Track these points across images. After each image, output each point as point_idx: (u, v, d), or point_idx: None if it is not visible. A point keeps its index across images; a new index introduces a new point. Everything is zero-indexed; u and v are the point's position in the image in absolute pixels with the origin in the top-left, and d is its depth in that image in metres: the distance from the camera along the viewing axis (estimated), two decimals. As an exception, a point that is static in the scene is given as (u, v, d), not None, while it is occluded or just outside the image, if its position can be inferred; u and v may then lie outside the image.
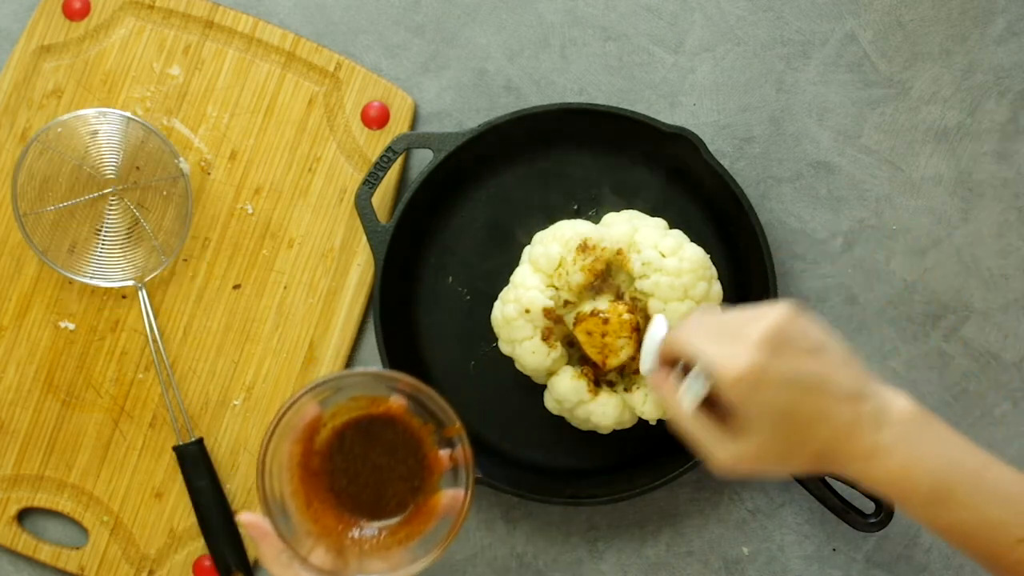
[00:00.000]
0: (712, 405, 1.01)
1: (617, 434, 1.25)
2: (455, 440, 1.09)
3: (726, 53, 1.31)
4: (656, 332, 1.07)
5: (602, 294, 1.19)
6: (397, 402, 1.11)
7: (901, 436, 0.97)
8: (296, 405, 1.07)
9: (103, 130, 1.26)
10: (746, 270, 1.27)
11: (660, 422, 1.24)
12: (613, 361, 1.18)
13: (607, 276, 1.19)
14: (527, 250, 1.23)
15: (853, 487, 1.24)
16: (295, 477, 1.10)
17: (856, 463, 0.97)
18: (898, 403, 0.98)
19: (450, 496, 1.08)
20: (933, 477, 0.97)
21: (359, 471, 1.12)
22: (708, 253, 1.21)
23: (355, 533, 1.12)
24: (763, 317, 0.98)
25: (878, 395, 0.98)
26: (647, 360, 1.07)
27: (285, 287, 1.29)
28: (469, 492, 1.07)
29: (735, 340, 0.98)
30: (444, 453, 1.10)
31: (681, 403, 1.00)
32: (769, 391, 0.96)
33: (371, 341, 1.29)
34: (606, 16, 1.31)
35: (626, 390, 1.21)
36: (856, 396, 0.97)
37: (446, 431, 1.09)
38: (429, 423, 1.11)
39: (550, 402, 1.23)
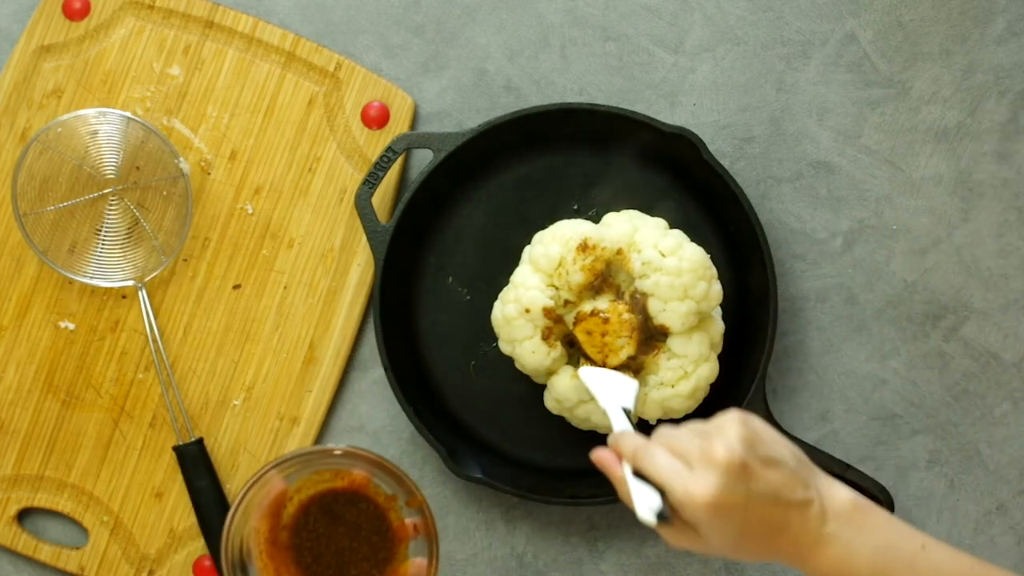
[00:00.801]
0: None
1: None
2: (417, 512, 1.11)
3: (726, 53, 1.31)
4: (612, 391, 1.11)
5: (602, 294, 1.20)
6: (360, 476, 1.12)
7: (840, 528, 1.00)
8: (261, 481, 1.09)
9: (103, 130, 1.26)
10: (746, 270, 1.27)
11: (660, 421, 1.24)
12: (613, 361, 1.18)
13: (607, 276, 1.20)
14: (527, 250, 1.23)
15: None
16: (263, 553, 1.12)
17: (801, 557, 1.01)
18: (838, 496, 1.02)
19: (417, 565, 1.12)
20: (872, 565, 1.00)
21: (322, 551, 1.14)
22: (708, 253, 1.21)
23: None
24: (721, 437, 1.00)
25: (820, 491, 1.01)
26: (611, 408, 1.10)
27: (285, 287, 1.29)
28: (434, 563, 1.10)
29: (698, 464, 0.99)
30: (410, 521, 1.12)
31: (640, 513, 1.01)
32: (729, 516, 0.99)
33: (371, 341, 1.29)
34: (606, 16, 1.31)
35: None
36: (802, 502, 1.00)
37: (408, 503, 1.11)
38: (395, 492, 1.12)
39: (550, 402, 1.23)
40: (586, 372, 1.16)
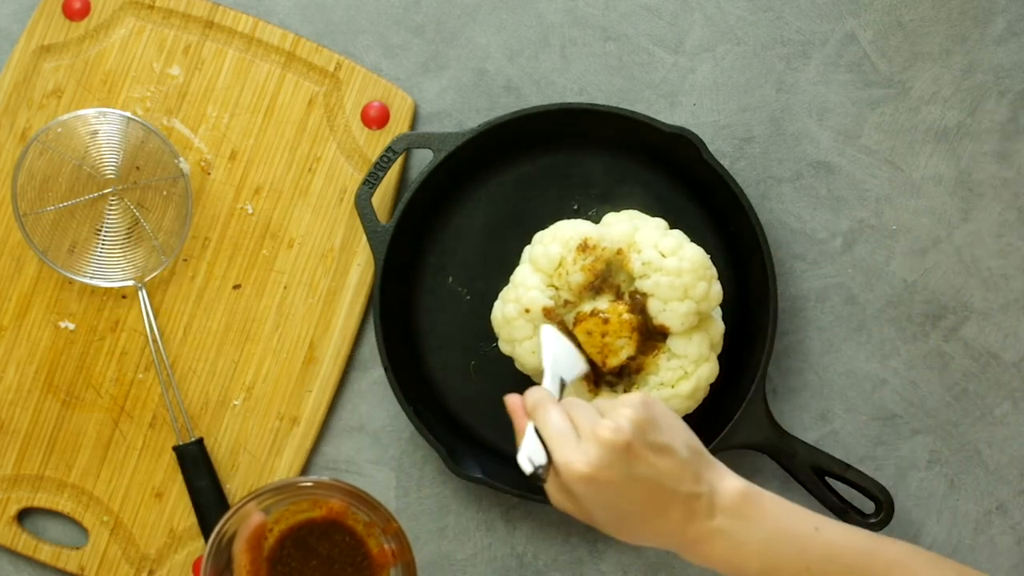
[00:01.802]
0: None
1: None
2: (392, 539, 1.12)
3: (726, 53, 1.31)
4: (548, 348, 1.12)
5: (602, 294, 1.19)
6: (338, 504, 1.12)
7: (727, 521, 1.02)
8: (239, 514, 1.10)
9: (103, 130, 1.26)
10: (746, 270, 1.27)
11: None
12: (613, 361, 1.18)
13: (607, 276, 1.19)
14: (527, 250, 1.23)
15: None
16: None
17: (691, 548, 1.03)
18: (727, 486, 1.03)
19: None
20: (762, 554, 1.02)
21: None
22: (708, 253, 1.21)
23: None
24: (615, 416, 1.01)
25: (711, 483, 1.03)
26: (551, 374, 1.11)
27: (285, 287, 1.29)
28: None
29: (584, 436, 1.01)
30: (389, 548, 1.13)
31: (520, 460, 1.03)
32: (605, 492, 1.00)
33: (371, 341, 1.29)
34: (606, 16, 1.31)
35: (626, 390, 1.21)
36: (688, 494, 1.01)
37: (383, 530, 1.11)
38: (372, 520, 1.12)
39: (550, 402, 1.23)
40: (547, 330, 1.15)
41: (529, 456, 1.02)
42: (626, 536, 1.04)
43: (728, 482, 1.03)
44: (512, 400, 1.07)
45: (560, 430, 1.02)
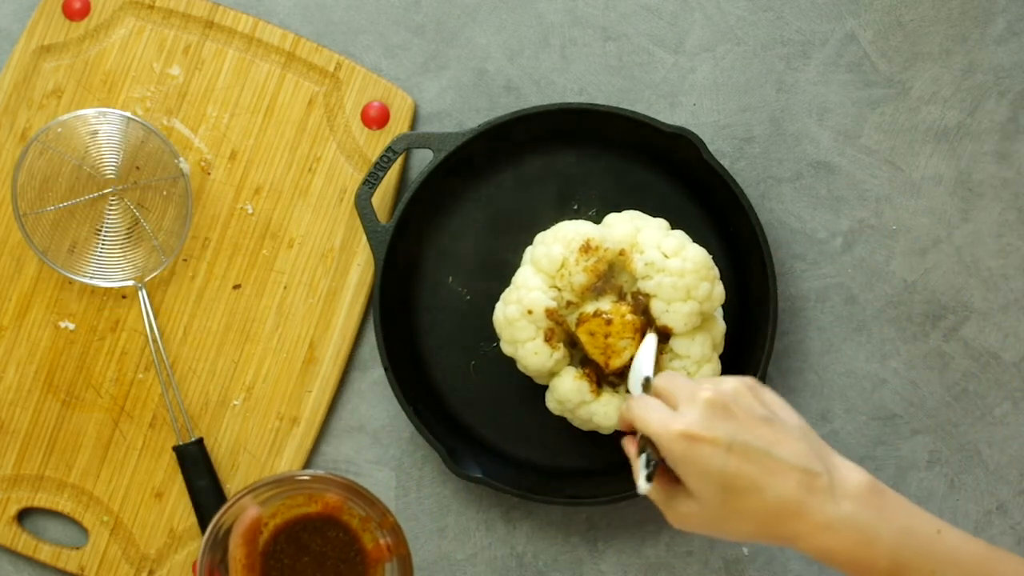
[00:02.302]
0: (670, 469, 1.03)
1: (618, 434, 1.25)
2: (388, 533, 1.12)
3: (726, 53, 1.31)
4: (645, 354, 1.11)
5: (604, 295, 1.19)
6: (334, 499, 1.12)
7: (858, 510, 0.98)
8: (235, 508, 1.10)
9: (103, 130, 1.26)
10: (746, 270, 1.27)
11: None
12: (616, 362, 1.18)
13: (609, 277, 1.19)
14: (529, 250, 1.23)
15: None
16: None
17: (809, 537, 0.98)
18: (853, 477, 0.99)
19: None
20: (891, 551, 0.98)
21: None
22: (708, 253, 1.21)
23: None
24: (718, 383, 1.00)
25: (833, 469, 1.00)
26: (634, 383, 1.10)
27: (285, 287, 1.29)
28: None
29: (682, 402, 1.00)
30: (385, 542, 1.13)
31: (637, 479, 1.02)
32: (705, 452, 0.98)
33: (371, 341, 1.29)
34: (606, 16, 1.31)
35: (628, 391, 1.21)
36: (805, 469, 0.98)
37: (380, 525, 1.11)
38: (369, 515, 1.12)
39: (552, 403, 1.23)
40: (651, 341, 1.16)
41: (643, 472, 1.00)
42: (740, 524, 0.99)
43: (853, 472, 1.00)
44: (625, 441, 1.07)
45: (655, 405, 1.00)
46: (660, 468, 1.03)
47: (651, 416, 1.01)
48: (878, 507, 0.98)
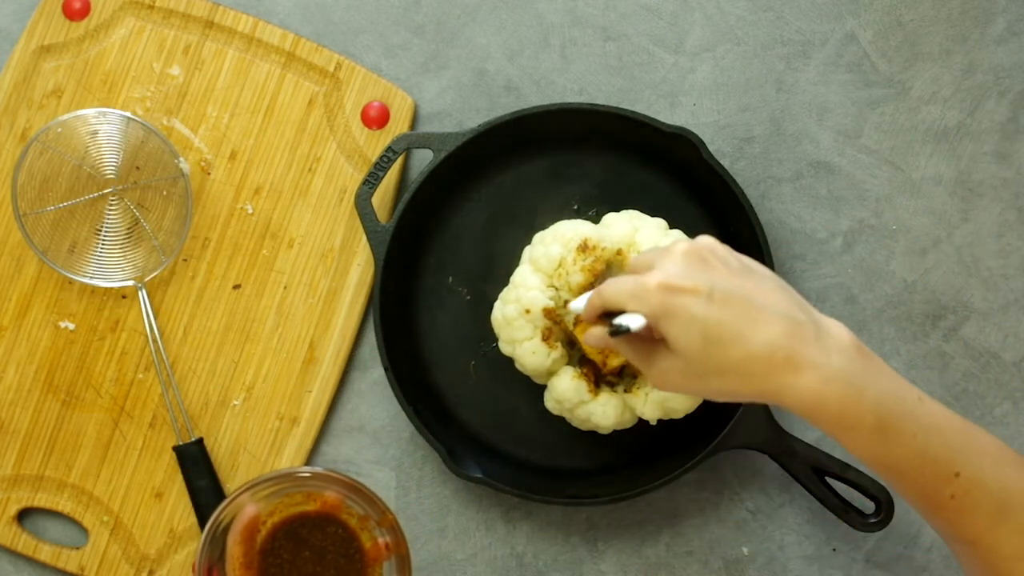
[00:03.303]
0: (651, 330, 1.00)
1: (617, 434, 1.25)
2: (388, 532, 1.12)
3: (726, 53, 1.31)
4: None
5: (602, 294, 1.19)
6: (332, 497, 1.12)
7: (847, 364, 0.95)
8: (232, 505, 1.09)
9: (103, 130, 1.26)
10: (746, 270, 1.27)
11: (660, 422, 1.24)
12: (614, 361, 1.18)
13: (607, 276, 1.19)
14: (527, 250, 1.23)
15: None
16: None
17: (799, 389, 0.94)
18: (839, 331, 0.97)
19: None
20: (877, 408, 0.95)
21: (306, 573, 1.14)
22: (707, 253, 1.21)
23: None
24: (692, 240, 0.98)
25: (816, 319, 0.96)
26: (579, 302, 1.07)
27: (285, 287, 1.29)
28: None
29: (659, 260, 0.98)
30: (383, 541, 1.12)
31: (627, 324, 0.98)
32: (686, 302, 0.95)
33: (371, 341, 1.29)
34: (606, 16, 1.31)
35: (626, 390, 1.21)
36: (790, 317, 0.95)
37: (379, 522, 1.11)
38: (367, 513, 1.12)
39: (550, 402, 1.23)
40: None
41: (619, 323, 0.97)
42: (717, 377, 0.95)
43: (837, 327, 0.97)
44: (592, 335, 1.05)
45: (625, 278, 0.99)
46: (641, 332, 0.99)
47: (625, 282, 0.98)
48: (865, 364, 0.96)
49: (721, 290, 0.95)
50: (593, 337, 1.05)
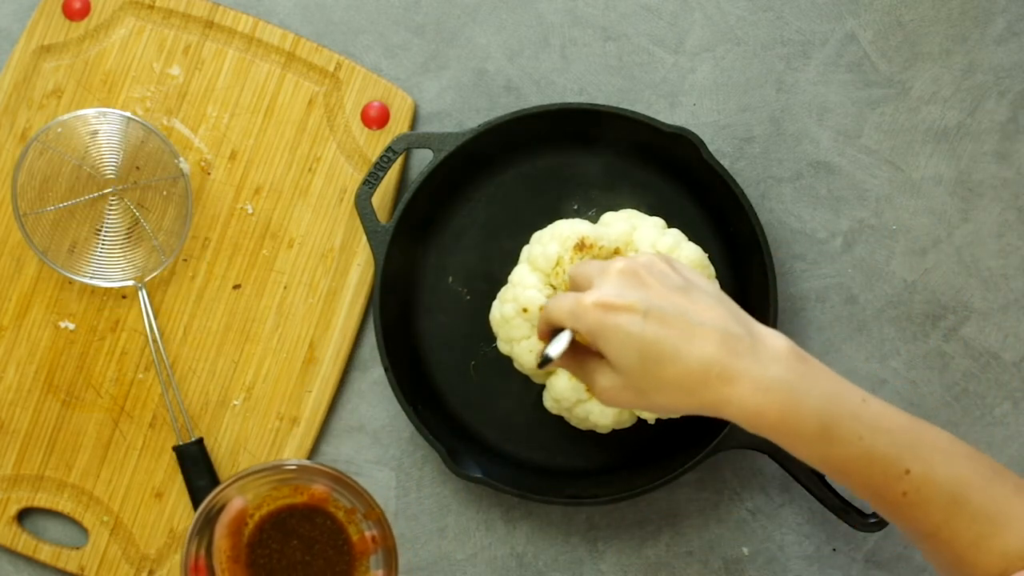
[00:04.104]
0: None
1: (617, 434, 1.25)
2: (375, 525, 1.11)
3: (726, 53, 1.31)
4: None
5: (602, 294, 1.19)
6: (320, 490, 1.12)
7: (785, 373, 0.96)
8: (218, 499, 1.09)
9: (103, 130, 1.26)
10: (746, 270, 1.27)
11: (660, 422, 1.24)
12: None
13: (607, 276, 1.19)
14: (525, 249, 1.23)
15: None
16: (225, 571, 1.12)
17: (738, 400, 0.95)
18: (776, 341, 0.98)
19: None
20: (819, 414, 0.96)
21: (275, 567, 1.14)
22: (707, 253, 1.21)
23: None
24: (630, 259, 1.00)
25: (755, 333, 0.98)
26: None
27: (285, 287, 1.29)
28: (393, 574, 1.10)
29: (596, 277, 0.99)
30: (370, 534, 1.12)
31: (548, 352, 1.00)
32: (622, 320, 0.96)
33: (371, 341, 1.29)
34: (606, 16, 1.31)
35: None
36: (726, 331, 0.96)
37: (366, 515, 1.11)
38: (355, 506, 1.12)
39: (549, 401, 1.23)
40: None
41: (545, 350, 0.99)
42: (657, 393, 0.97)
43: (775, 337, 0.98)
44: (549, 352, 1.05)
45: (566, 295, 1.00)
46: (583, 346, 1.01)
47: (565, 300, 1.00)
48: (803, 371, 0.97)
49: (657, 308, 0.97)
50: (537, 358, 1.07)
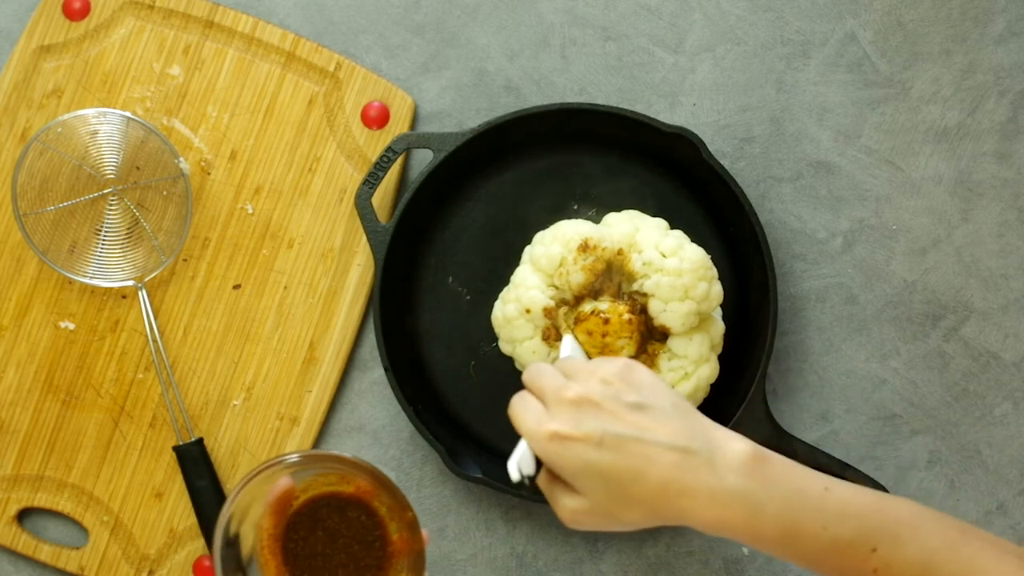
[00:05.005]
0: None
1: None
2: (406, 528, 1.10)
3: (726, 53, 1.31)
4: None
5: (602, 294, 1.19)
6: (366, 483, 1.12)
7: (742, 482, 0.98)
8: (266, 473, 1.08)
9: (103, 130, 1.26)
10: (746, 270, 1.27)
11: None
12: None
13: (607, 276, 1.20)
14: (527, 250, 1.23)
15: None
16: (265, 549, 1.11)
17: (698, 513, 0.98)
18: (733, 448, 0.99)
19: None
20: (778, 517, 0.98)
21: (300, 553, 1.13)
22: (708, 253, 1.21)
23: None
24: (582, 378, 1.01)
25: (713, 443, 1.00)
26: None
27: (285, 287, 1.29)
28: None
29: (550, 402, 1.00)
30: (402, 536, 1.12)
31: (509, 470, 1.02)
32: (578, 450, 0.98)
33: (371, 341, 1.29)
34: (606, 16, 1.31)
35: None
36: (681, 448, 0.98)
37: (400, 517, 1.11)
38: (392, 505, 1.12)
39: (550, 402, 1.23)
40: (567, 340, 1.17)
41: (517, 464, 1.01)
42: (624, 512, 1.00)
43: (734, 443, 1.00)
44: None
45: (528, 406, 1.01)
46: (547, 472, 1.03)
47: (527, 418, 1.01)
48: (761, 475, 0.99)
49: (612, 434, 0.98)
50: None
